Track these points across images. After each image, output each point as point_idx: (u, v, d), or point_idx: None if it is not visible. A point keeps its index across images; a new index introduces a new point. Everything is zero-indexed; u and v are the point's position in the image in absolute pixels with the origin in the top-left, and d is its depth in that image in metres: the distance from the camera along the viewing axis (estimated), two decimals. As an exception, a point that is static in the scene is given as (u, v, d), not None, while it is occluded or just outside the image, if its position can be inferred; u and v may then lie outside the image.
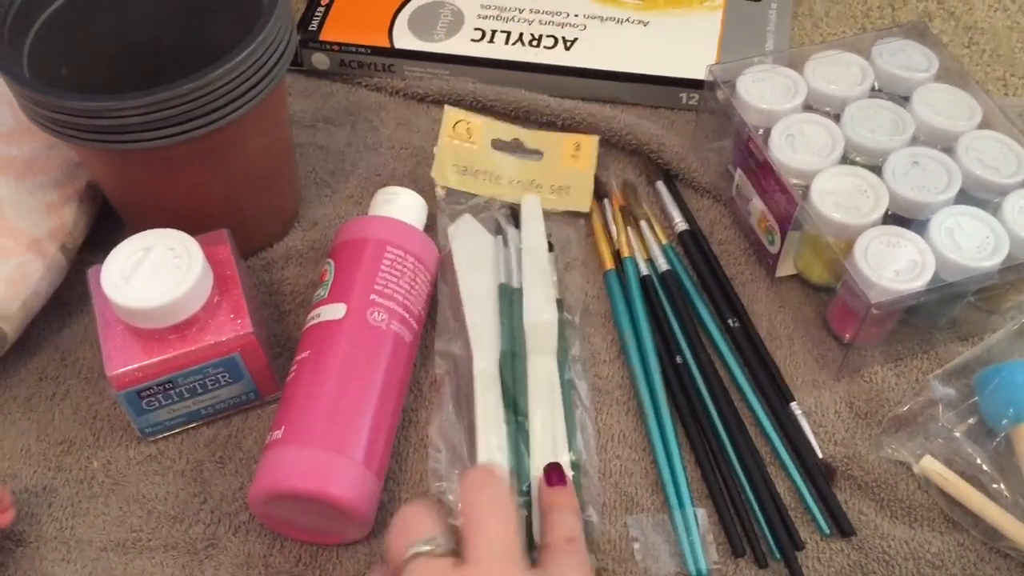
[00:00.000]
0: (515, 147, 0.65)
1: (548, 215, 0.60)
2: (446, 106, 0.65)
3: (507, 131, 0.65)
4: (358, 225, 0.55)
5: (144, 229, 0.50)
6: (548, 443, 0.50)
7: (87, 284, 0.52)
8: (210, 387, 0.51)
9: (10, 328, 0.53)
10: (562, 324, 0.55)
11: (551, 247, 0.59)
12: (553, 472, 0.47)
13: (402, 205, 0.57)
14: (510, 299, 0.56)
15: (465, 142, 0.64)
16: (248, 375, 0.51)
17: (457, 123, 0.64)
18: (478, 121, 0.65)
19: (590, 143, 0.64)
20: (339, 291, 0.52)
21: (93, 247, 0.59)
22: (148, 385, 0.49)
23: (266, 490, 0.46)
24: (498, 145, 0.64)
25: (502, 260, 0.58)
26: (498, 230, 0.59)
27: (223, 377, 0.51)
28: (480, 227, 0.59)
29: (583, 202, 0.62)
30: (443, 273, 0.57)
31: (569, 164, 0.63)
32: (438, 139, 0.64)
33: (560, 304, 0.56)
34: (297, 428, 0.47)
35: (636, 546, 0.48)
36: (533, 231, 0.59)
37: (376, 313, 0.51)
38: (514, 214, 0.61)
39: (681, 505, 0.49)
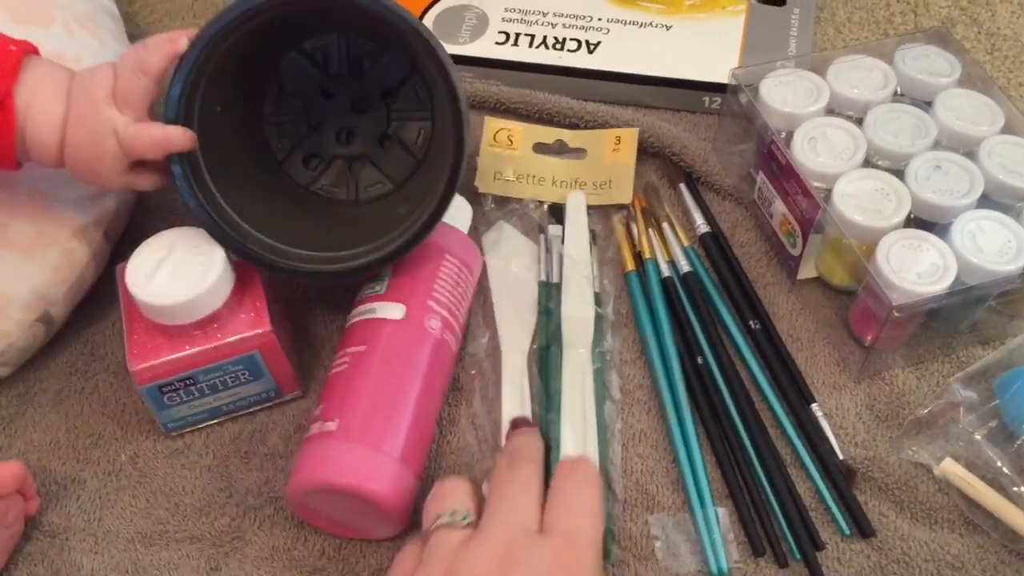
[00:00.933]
0: (559, 149, 0.65)
1: (591, 210, 0.61)
2: (485, 117, 0.66)
3: (549, 134, 0.66)
4: None
5: None
6: (579, 435, 0.51)
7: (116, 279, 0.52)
8: (230, 384, 0.52)
9: (57, 313, 0.55)
10: (598, 319, 0.56)
11: (595, 239, 0.60)
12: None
13: (455, 211, 0.56)
14: (548, 295, 0.57)
15: (507, 149, 0.64)
16: (268, 373, 0.52)
17: (498, 132, 0.65)
18: (519, 127, 0.66)
19: (630, 135, 0.64)
20: (399, 291, 0.52)
21: (132, 238, 0.59)
22: (169, 380, 0.50)
23: (311, 481, 0.46)
24: (540, 149, 0.65)
25: (543, 259, 0.59)
26: (540, 230, 0.61)
27: (243, 375, 0.51)
28: (515, 231, 0.60)
29: (625, 194, 0.62)
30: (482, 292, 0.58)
31: (611, 158, 0.64)
32: (479, 150, 0.64)
33: (597, 298, 0.57)
34: (350, 423, 0.47)
35: (657, 544, 0.48)
36: (576, 228, 0.59)
37: (433, 320, 0.51)
38: (554, 212, 0.61)
39: (702, 504, 0.49)
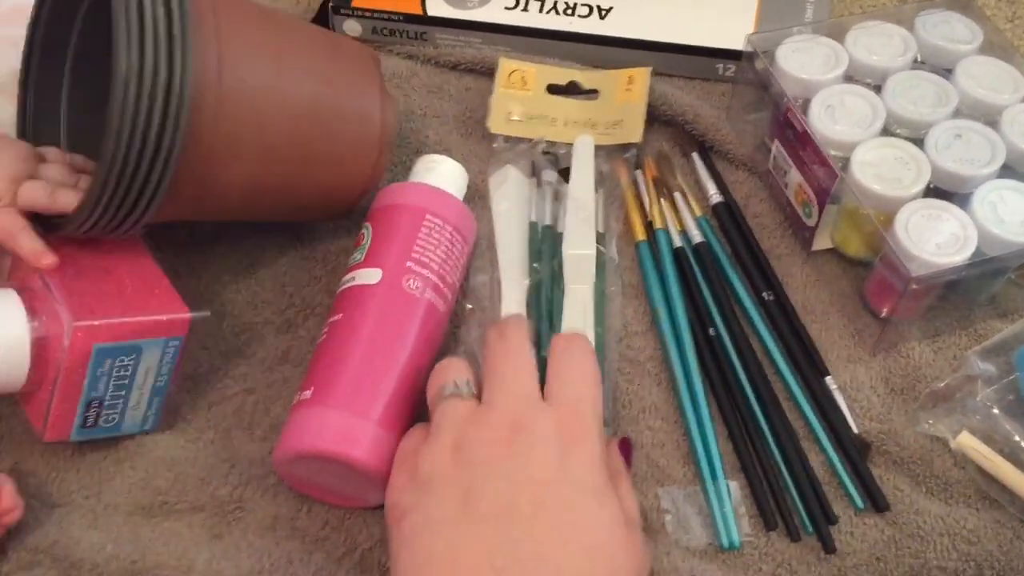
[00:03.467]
0: (572, 89, 0.65)
1: (599, 150, 0.60)
2: (501, 57, 0.66)
3: (562, 75, 0.65)
4: (398, 191, 0.55)
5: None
6: None
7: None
8: (124, 382, 0.48)
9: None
10: (600, 258, 0.56)
11: (601, 180, 0.60)
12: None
13: (443, 174, 0.56)
14: (540, 235, 0.57)
15: (520, 90, 0.64)
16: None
17: (512, 72, 0.65)
18: (532, 68, 0.65)
19: (642, 75, 0.64)
20: (375, 256, 0.51)
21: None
22: (81, 419, 0.48)
23: (290, 450, 0.46)
24: (554, 90, 0.65)
25: (534, 200, 0.59)
26: (533, 172, 0.60)
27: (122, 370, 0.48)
28: (521, 175, 0.60)
29: (635, 133, 0.62)
30: (482, 216, 0.58)
31: (623, 98, 0.63)
32: (493, 90, 0.64)
33: (600, 237, 0.57)
34: (324, 390, 0.47)
35: (668, 518, 0.48)
36: (583, 170, 0.59)
37: (411, 280, 0.50)
38: (552, 157, 0.61)
39: (714, 478, 0.48)
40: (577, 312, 0.53)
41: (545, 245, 0.56)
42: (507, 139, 0.62)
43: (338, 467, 0.46)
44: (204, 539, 0.48)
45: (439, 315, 0.52)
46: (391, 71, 0.68)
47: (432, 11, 0.68)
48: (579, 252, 0.55)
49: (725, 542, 0.47)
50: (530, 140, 0.62)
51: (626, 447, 0.48)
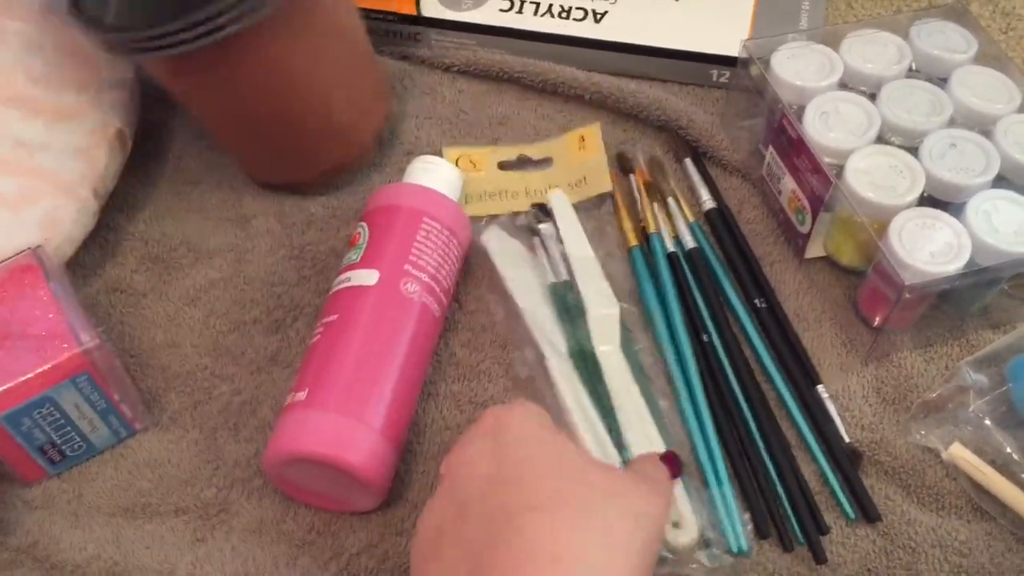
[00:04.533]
0: (523, 162, 0.63)
1: (576, 208, 0.59)
2: (443, 148, 0.63)
3: (509, 152, 0.63)
4: (395, 191, 0.54)
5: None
6: (641, 436, 0.49)
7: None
8: (59, 422, 0.48)
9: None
10: (623, 313, 0.54)
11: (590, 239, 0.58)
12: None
13: (439, 175, 0.56)
14: (563, 296, 0.54)
15: (473, 172, 0.62)
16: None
17: (459, 159, 0.62)
18: (477, 151, 0.63)
19: (593, 133, 0.63)
20: (372, 257, 0.51)
21: (121, 195, 0.59)
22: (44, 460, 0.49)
23: (283, 452, 0.45)
24: (506, 166, 0.63)
25: (545, 259, 0.57)
26: (533, 232, 0.58)
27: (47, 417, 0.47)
28: (507, 236, 0.58)
29: (603, 183, 0.60)
30: (489, 282, 0.56)
31: (578, 158, 0.62)
32: None
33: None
34: (319, 392, 0.46)
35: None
36: (569, 226, 0.57)
37: (409, 284, 0.50)
38: (542, 209, 0.59)
39: (719, 483, 0.48)
40: (621, 385, 0.51)
41: (570, 304, 0.54)
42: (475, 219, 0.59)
43: (331, 471, 0.45)
44: (187, 542, 0.47)
45: (434, 319, 0.51)
46: (385, 72, 0.68)
47: (427, 12, 0.68)
48: (604, 312, 0.53)
49: (734, 547, 0.46)
50: (497, 216, 0.59)
51: (672, 462, 0.44)
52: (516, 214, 0.60)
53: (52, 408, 0.46)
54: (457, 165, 0.62)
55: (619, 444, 0.49)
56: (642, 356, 0.53)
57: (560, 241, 0.57)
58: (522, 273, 0.56)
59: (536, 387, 0.51)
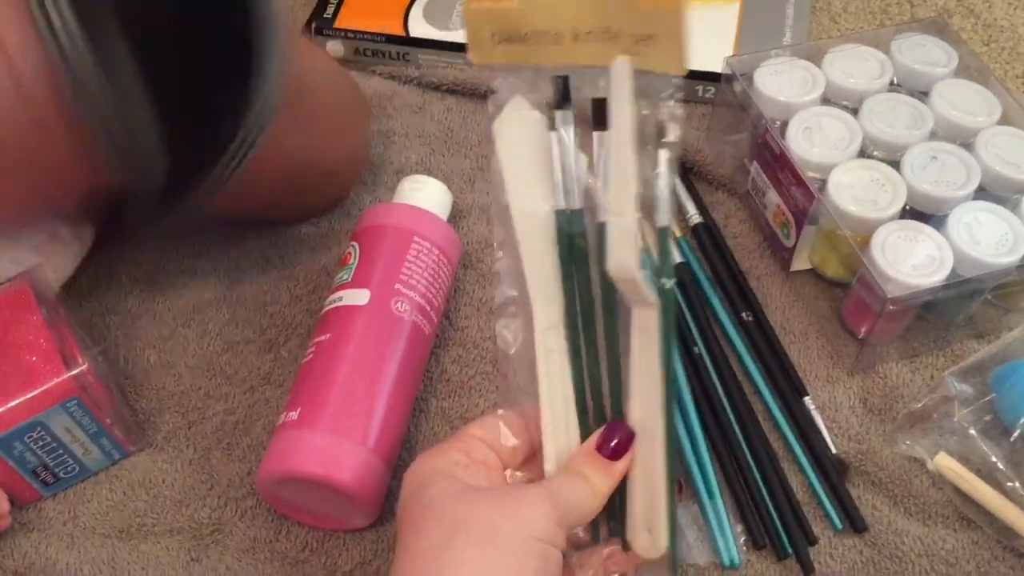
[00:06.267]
0: None
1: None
2: None
3: None
4: (385, 211, 0.55)
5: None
6: (647, 432, 0.41)
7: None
8: (51, 446, 0.48)
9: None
10: (667, 263, 0.40)
11: (664, 132, 0.41)
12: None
13: (429, 195, 0.56)
14: (570, 233, 0.41)
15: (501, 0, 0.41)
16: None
17: None
18: None
19: None
20: (363, 277, 0.51)
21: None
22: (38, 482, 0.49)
23: (275, 471, 0.45)
24: None
25: (557, 166, 0.41)
26: (549, 124, 0.42)
27: (39, 441, 0.48)
28: (529, 116, 0.42)
29: (674, 59, 0.40)
30: (493, 196, 0.43)
31: (650, 3, 0.39)
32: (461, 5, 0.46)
33: (662, 232, 0.41)
34: (312, 412, 0.47)
35: None
36: (624, 127, 0.39)
37: (400, 303, 0.50)
38: (562, 85, 0.42)
39: (711, 496, 0.48)
40: (643, 353, 0.40)
41: (579, 241, 0.41)
42: (501, 76, 0.43)
43: (323, 490, 0.45)
44: (182, 562, 0.48)
45: (425, 337, 0.52)
46: (373, 91, 0.69)
47: (415, 32, 0.69)
48: (621, 274, 0.39)
49: (726, 560, 0.47)
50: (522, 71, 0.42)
51: (611, 440, 0.40)
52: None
53: (43, 432, 0.47)
54: None
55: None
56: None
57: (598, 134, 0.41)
58: (533, 184, 0.42)
59: (521, 365, 0.42)
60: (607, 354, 0.42)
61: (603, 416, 0.42)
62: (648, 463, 0.40)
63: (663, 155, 0.41)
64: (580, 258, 0.41)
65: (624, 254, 0.38)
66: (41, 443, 0.47)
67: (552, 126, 0.42)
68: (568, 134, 0.42)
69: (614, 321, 0.41)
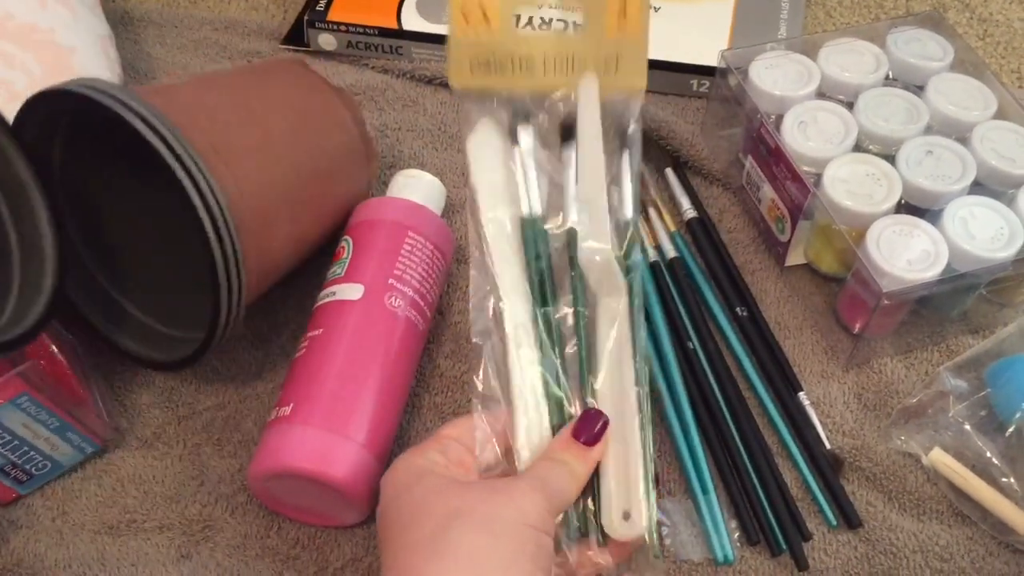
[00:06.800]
0: (546, 21, 0.53)
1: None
2: None
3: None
4: (379, 206, 0.55)
5: None
6: (617, 420, 0.43)
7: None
8: (12, 443, 0.48)
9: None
10: (630, 260, 0.45)
11: (624, 142, 0.48)
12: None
13: (423, 189, 0.56)
14: (533, 233, 0.46)
15: (481, 27, 0.48)
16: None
17: (465, 5, 0.49)
18: None
19: (639, 4, 0.49)
20: (357, 271, 0.51)
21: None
22: (10, 480, 0.49)
23: (267, 467, 0.45)
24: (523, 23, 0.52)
25: (520, 178, 0.47)
26: (513, 139, 0.48)
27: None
28: (497, 137, 0.48)
29: (637, 76, 0.48)
30: (469, 205, 0.48)
31: (617, 28, 0.48)
32: (448, 33, 0.49)
33: (625, 229, 0.46)
34: (304, 407, 0.46)
35: (664, 531, 0.47)
36: (589, 129, 0.46)
37: (393, 298, 0.50)
38: (524, 116, 0.48)
39: (705, 491, 0.48)
40: (611, 341, 0.44)
41: (541, 247, 0.46)
42: (475, 96, 0.49)
43: (315, 486, 0.45)
44: (172, 559, 0.47)
45: (418, 332, 0.51)
46: (366, 84, 0.68)
47: (408, 25, 0.68)
48: (598, 247, 0.45)
49: (720, 556, 0.46)
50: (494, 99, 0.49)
51: (586, 426, 0.41)
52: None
53: (0, 431, 0.46)
54: (466, 16, 0.49)
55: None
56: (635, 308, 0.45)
57: (567, 145, 0.47)
58: (501, 193, 0.47)
59: (491, 353, 0.45)
60: (577, 344, 0.44)
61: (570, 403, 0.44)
62: (621, 448, 0.42)
63: (626, 155, 0.47)
64: (544, 259, 0.46)
65: (596, 237, 0.44)
66: (1, 441, 0.47)
67: (515, 141, 0.47)
68: (529, 149, 0.47)
69: (582, 312, 0.45)
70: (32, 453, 0.48)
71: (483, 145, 0.48)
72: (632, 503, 0.41)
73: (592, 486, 0.42)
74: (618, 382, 0.44)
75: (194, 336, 0.49)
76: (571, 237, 0.46)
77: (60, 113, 0.48)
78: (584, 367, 0.44)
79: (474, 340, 0.45)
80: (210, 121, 0.48)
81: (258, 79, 0.54)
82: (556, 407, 0.43)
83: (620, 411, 0.43)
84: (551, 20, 0.52)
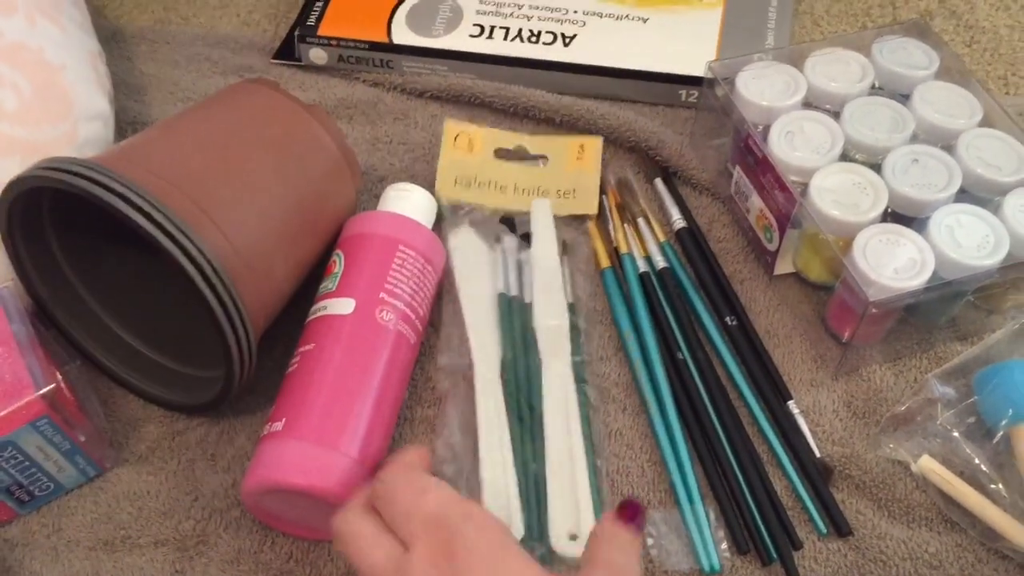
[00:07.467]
0: (519, 154, 0.64)
1: (556, 220, 0.59)
2: (446, 120, 0.65)
3: (509, 139, 0.64)
4: (370, 220, 0.55)
5: None
6: (564, 451, 0.50)
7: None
8: (24, 464, 0.48)
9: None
10: (574, 328, 0.55)
11: (565, 248, 0.59)
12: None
13: (414, 203, 0.56)
14: (509, 307, 0.55)
15: (467, 154, 0.63)
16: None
17: (457, 136, 0.64)
18: (478, 132, 0.64)
19: (594, 144, 0.64)
20: (348, 286, 0.51)
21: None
22: (12, 500, 0.49)
23: (260, 482, 0.45)
24: (502, 154, 0.64)
25: (500, 270, 0.57)
26: (497, 239, 0.59)
27: (11, 460, 0.47)
28: (478, 238, 0.59)
29: (590, 204, 0.61)
30: (446, 285, 0.57)
31: (574, 167, 0.63)
32: (440, 154, 0.63)
33: (572, 307, 0.56)
34: (296, 422, 0.47)
35: (650, 542, 0.48)
36: (544, 236, 0.58)
37: (384, 312, 0.50)
38: (509, 222, 0.60)
39: (691, 501, 0.48)
40: (557, 389, 0.52)
41: (515, 317, 0.55)
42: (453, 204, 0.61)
43: (308, 500, 0.45)
44: (166, 574, 0.48)
45: (410, 346, 0.52)
46: (357, 98, 0.69)
47: (398, 39, 0.69)
48: (552, 323, 0.54)
49: (706, 566, 0.47)
50: (480, 207, 0.61)
51: (632, 513, 0.40)
52: (492, 212, 0.60)
53: (15, 451, 0.46)
54: (455, 142, 0.63)
55: (535, 469, 0.50)
56: (583, 369, 0.53)
57: (526, 248, 0.58)
58: (477, 280, 0.57)
59: (456, 401, 0.52)
60: (527, 394, 0.53)
61: (531, 439, 0.51)
62: (568, 470, 0.49)
63: (567, 260, 0.58)
64: (515, 328, 0.55)
65: (550, 310, 0.55)
66: (13, 462, 0.47)
67: (498, 240, 0.59)
68: (512, 247, 0.58)
69: (535, 371, 0.54)
70: (39, 475, 0.48)
71: (462, 246, 0.58)
72: (581, 525, 0.47)
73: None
74: (564, 424, 0.51)
75: (213, 374, 0.50)
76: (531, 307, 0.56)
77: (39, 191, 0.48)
78: (537, 416, 0.51)
79: (445, 384, 0.53)
80: (188, 178, 0.48)
81: (228, 113, 0.54)
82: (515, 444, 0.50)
83: (567, 432, 0.50)
84: (523, 154, 0.64)
